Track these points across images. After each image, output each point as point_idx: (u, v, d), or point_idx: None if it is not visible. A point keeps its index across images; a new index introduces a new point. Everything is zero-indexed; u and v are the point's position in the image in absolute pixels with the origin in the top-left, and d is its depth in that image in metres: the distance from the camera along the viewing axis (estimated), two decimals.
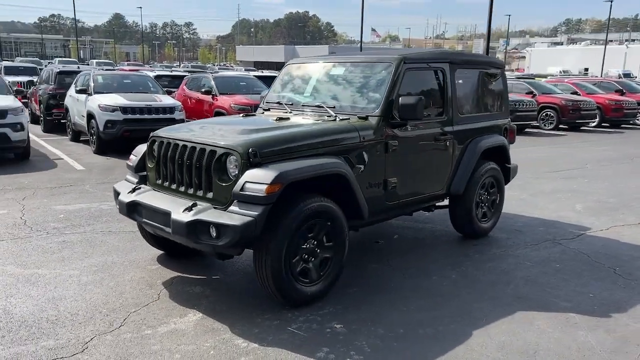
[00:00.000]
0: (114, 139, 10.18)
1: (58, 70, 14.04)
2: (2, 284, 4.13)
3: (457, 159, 5.13)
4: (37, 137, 12.50)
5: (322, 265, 3.92)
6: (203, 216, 3.54)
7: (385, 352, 3.26)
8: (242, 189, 3.51)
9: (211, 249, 3.70)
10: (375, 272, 4.57)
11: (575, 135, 16.07)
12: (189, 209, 3.65)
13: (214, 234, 3.49)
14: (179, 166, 3.96)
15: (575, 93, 18.64)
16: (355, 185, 4.03)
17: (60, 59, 42.75)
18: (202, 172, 3.79)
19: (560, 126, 17.08)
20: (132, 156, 4.57)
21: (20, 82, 17.57)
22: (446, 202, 5.42)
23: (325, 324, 3.60)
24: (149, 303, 3.87)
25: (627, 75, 46.29)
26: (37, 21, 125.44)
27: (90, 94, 10.84)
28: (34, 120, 14.83)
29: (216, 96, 12.19)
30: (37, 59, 42.34)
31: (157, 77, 16.57)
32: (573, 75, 48.54)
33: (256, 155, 3.60)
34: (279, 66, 46.62)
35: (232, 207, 3.55)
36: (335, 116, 4.41)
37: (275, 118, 4.47)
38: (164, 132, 4.25)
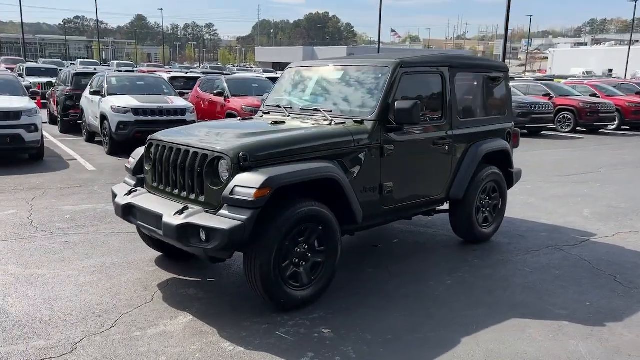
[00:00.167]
0: (126, 140, 10.30)
1: (75, 71, 14.28)
2: (1, 283, 4.22)
3: (457, 163, 5.09)
4: (54, 137, 12.73)
5: (313, 270, 3.92)
6: (193, 219, 3.57)
7: (370, 358, 3.25)
8: (231, 192, 3.54)
9: (202, 252, 3.72)
10: (371, 277, 4.55)
11: (593, 138, 15.81)
12: (180, 212, 3.68)
13: (203, 237, 3.53)
14: (174, 169, 4.01)
15: (594, 95, 18.33)
16: (349, 189, 4.02)
17: (81, 60, 43.43)
18: (194, 175, 3.82)
19: (578, 129, 16.81)
20: (130, 159, 4.63)
21: (40, 83, 17.89)
22: (446, 206, 5.37)
23: (313, 328, 3.60)
24: (141, 305, 3.91)
25: None
26: (62, 23, 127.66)
27: (103, 96, 11.01)
28: (53, 121, 15.12)
29: (228, 98, 12.27)
30: (60, 60, 43.05)
31: (173, 79, 16.77)
32: (597, 76, 47.79)
33: (247, 159, 3.62)
34: None
35: (222, 211, 3.58)
36: (331, 120, 4.42)
37: (270, 122, 4.49)
38: (161, 136, 4.30)
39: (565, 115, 16.80)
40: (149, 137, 4.41)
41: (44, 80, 18.47)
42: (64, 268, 4.57)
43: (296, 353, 3.28)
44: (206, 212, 3.66)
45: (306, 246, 3.84)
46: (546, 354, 3.33)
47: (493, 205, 5.53)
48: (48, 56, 76.21)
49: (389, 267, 4.77)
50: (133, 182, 4.47)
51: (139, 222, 4.06)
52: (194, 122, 10.37)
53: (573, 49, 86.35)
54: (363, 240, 5.50)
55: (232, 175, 3.62)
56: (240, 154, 3.62)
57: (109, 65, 39.33)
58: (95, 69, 15.49)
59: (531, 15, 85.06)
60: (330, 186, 3.96)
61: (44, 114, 15.68)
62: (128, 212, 4.14)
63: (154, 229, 3.84)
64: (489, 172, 5.33)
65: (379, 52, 37.46)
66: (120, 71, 20.19)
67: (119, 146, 10.47)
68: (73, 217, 6.12)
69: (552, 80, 22.89)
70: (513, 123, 5.85)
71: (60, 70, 19.07)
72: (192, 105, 11.43)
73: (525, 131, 15.82)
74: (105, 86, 11.25)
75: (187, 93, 14.48)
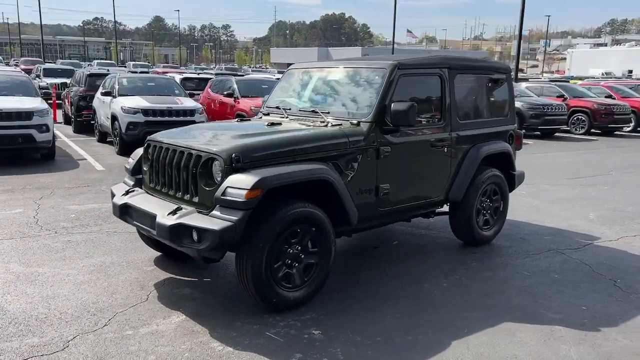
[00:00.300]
0: (135, 140, 10.39)
1: (88, 72, 14.47)
2: (2, 281, 4.30)
3: (457, 165, 5.06)
4: (67, 137, 12.92)
5: (306, 271, 3.93)
6: (185, 220, 3.61)
7: None
8: (223, 193, 3.56)
9: (195, 253, 3.76)
10: (367, 278, 4.55)
11: (607, 140, 15.60)
12: (174, 212, 3.72)
13: (195, 237, 3.56)
14: (169, 170, 4.05)
15: (609, 96, 18.09)
16: (342, 191, 4.03)
17: (98, 61, 43.97)
18: (189, 176, 3.86)
19: (593, 131, 16.61)
20: (129, 159, 4.70)
21: (55, 84, 18.16)
22: (447, 208, 5.35)
23: (304, 329, 3.61)
24: (136, 304, 3.96)
25: None
26: (81, 24, 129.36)
27: (114, 96, 11.14)
28: (67, 121, 15.34)
29: (238, 99, 12.33)
30: (78, 61, 43.64)
31: (185, 80, 16.91)
32: (616, 77, 47.01)
33: (239, 160, 3.64)
34: None
35: (214, 212, 3.61)
36: (328, 122, 4.43)
37: (267, 123, 4.51)
38: (159, 137, 4.35)
39: (580, 117, 16.61)
40: (147, 137, 4.46)
41: (59, 81, 18.71)
42: (64, 267, 4.65)
43: (284, 354, 3.30)
44: (199, 212, 3.70)
45: (299, 247, 3.86)
46: (536, 359, 3.30)
47: (494, 208, 5.49)
48: (67, 57, 77.23)
49: (387, 269, 4.76)
50: (132, 183, 4.53)
51: (135, 222, 4.11)
52: (203, 122, 10.45)
53: (592, 49, 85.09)
54: (362, 242, 5.50)
55: (225, 176, 3.64)
56: (233, 155, 3.65)
57: (125, 66, 39.78)
58: (108, 70, 15.67)
59: (549, 16, 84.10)
60: (324, 188, 3.97)
61: (59, 114, 16.07)
62: (124, 212, 4.19)
63: (149, 228, 3.88)
64: (490, 174, 5.30)
65: (392, 53, 37.36)
66: (135, 72, 20.42)
67: (129, 146, 10.55)
68: (78, 216, 6.21)
69: (568, 82, 22.64)
70: (516, 125, 5.80)
71: (76, 71, 19.35)
72: (201, 106, 11.52)
73: (538, 133, 15.71)
74: (116, 87, 11.39)
75: (199, 94, 14.60)
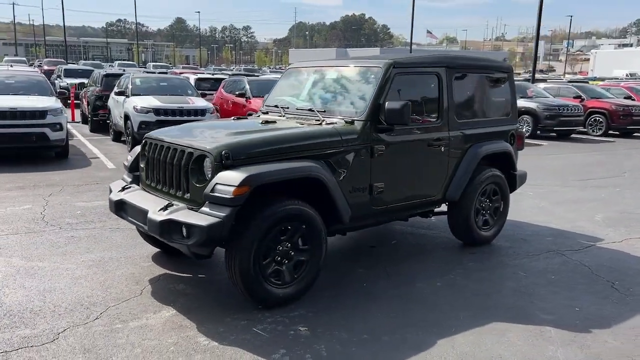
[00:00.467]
0: None
1: (104, 73, 14.70)
2: (2, 274, 4.41)
3: (455, 164, 5.03)
4: (83, 136, 13.14)
5: (297, 268, 3.95)
6: (174, 216, 3.66)
7: (341, 357, 3.26)
8: (212, 190, 3.61)
9: (185, 248, 3.80)
10: (361, 277, 4.55)
11: (625, 141, 15.32)
12: (164, 208, 3.78)
13: (184, 233, 3.61)
14: (163, 167, 4.11)
15: (628, 97, 17.77)
16: (334, 189, 4.04)
17: (119, 61, 44.63)
18: (181, 173, 3.91)
19: (610, 132, 16.33)
20: (128, 156, 4.78)
21: (74, 84, 18.48)
22: (445, 208, 5.32)
23: (291, 326, 3.63)
24: (129, 298, 4.02)
25: None
26: (105, 26, 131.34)
27: (127, 96, 11.31)
28: (85, 120, 15.60)
29: (250, 99, 12.43)
30: (100, 62, 44.35)
31: (200, 80, 17.09)
32: None
33: (229, 157, 3.68)
34: None
35: (203, 208, 3.65)
36: (322, 120, 4.44)
37: (261, 121, 4.55)
38: (156, 134, 4.41)
39: (597, 118, 16.33)
40: (145, 135, 4.53)
41: (78, 81, 19.04)
42: (64, 261, 4.74)
43: (269, 350, 3.32)
44: (190, 209, 3.75)
45: (289, 244, 3.88)
46: (521, 359, 3.27)
47: (494, 208, 5.45)
48: (91, 58, 78.49)
49: (382, 268, 4.75)
50: (129, 180, 4.60)
51: (129, 218, 4.17)
52: None
53: (616, 50, 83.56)
54: (360, 241, 5.50)
55: (214, 173, 3.69)
56: (223, 152, 3.69)
57: (145, 67, 40.31)
58: (124, 70, 15.90)
59: (571, 16, 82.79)
60: (315, 185, 3.99)
61: (77, 114, 16.37)
62: (120, 208, 4.26)
63: (141, 224, 3.94)
64: (489, 174, 5.25)
65: (410, 52, 37.15)
66: (153, 72, 20.66)
67: None
68: (83, 213, 6.32)
69: (587, 82, 22.30)
70: (517, 125, 5.75)
71: (94, 71, 19.63)
72: (212, 105, 11.63)
73: (554, 134, 15.50)
74: (130, 87, 11.55)
75: (214, 94, 14.74)
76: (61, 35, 47.57)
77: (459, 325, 3.70)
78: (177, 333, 3.50)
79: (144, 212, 3.86)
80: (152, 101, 10.80)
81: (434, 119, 4.86)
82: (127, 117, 10.94)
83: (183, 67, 39.90)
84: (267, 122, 4.51)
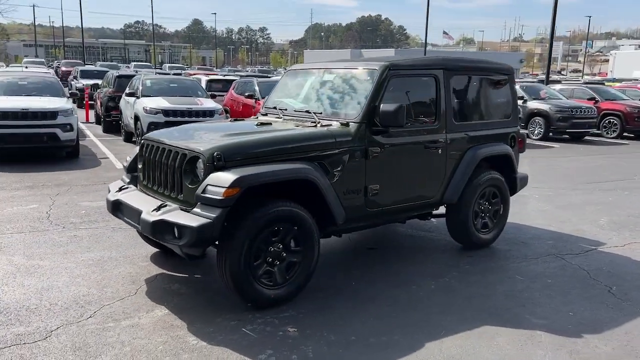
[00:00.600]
0: None
1: (117, 74, 14.89)
2: (3, 273, 4.49)
3: (453, 167, 5.01)
4: (95, 136, 13.32)
5: (289, 270, 3.98)
6: (166, 216, 3.71)
7: (328, 358, 3.27)
8: (203, 191, 3.65)
9: (178, 249, 3.85)
10: (356, 279, 4.56)
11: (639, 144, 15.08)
12: (157, 209, 3.83)
13: (176, 234, 3.65)
14: (158, 168, 4.16)
15: None
16: (326, 190, 4.05)
17: (136, 63, 45.11)
18: (175, 174, 3.96)
19: (625, 134, 16.10)
20: (127, 157, 4.84)
21: (89, 85, 18.73)
22: (444, 210, 5.30)
23: (280, 327, 3.65)
24: (124, 297, 4.08)
25: None
26: (123, 27, 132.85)
27: (138, 97, 11.45)
28: (98, 121, 15.81)
29: (259, 100, 12.48)
30: (117, 63, 44.88)
31: (211, 81, 17.19)
32: None
33: (220, 159, 3.72)
34: None
35: (194, 209, 3.70)
36: (318, 122, 4.46)
37: (257, 123, 4.58)
38: (153, 135, 4.47)
39: (611, 120, 16.11)
40: (143, 136, 4.59)
41: (91, 82, 19.30)
42: (64, 260, 4.82)
43: (256, 350, 3.35)
44: (183, 210, 3.79)
45: (281, 246, 3.90)
46: None
47: (493, 211, 5.41)
48: (109, 59, 79.40)
49: (378, 271, 4.75)
50: (127, 180, 4.67)
51: (124, 218, 4.23)
52: None
53: (637, 50, 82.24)
54: (358, 243, 5.51)
55: (206, 175, 3.73)
56: (215, 153, 3.73)
57: (161, 68, 40.71)
58: (136, 72, 16.07)
59: (590, 16, 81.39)
60: (308, 187, 4.01)
61: (91, 115, 16.60)
62: (116, 208, 4.32)
63: (135, 224, 4.00)
64: (488, 176, 5.22)
65: (425, 55, 37.00)
66: (168, 73, 20.86)
67: None
68: (88, 212, 6.42)
69: (603, 84, 22.01)
70: (518, 127, 5.70)
71: (107, 72, 19.87)
72: (221, 107, 11.72)
73: (567, 136, 15.33)
74: (140, 88, 11.70)
75: (219, 95, 14.83)
76: (80, 36, 48.27)
77: (449, 328, 3.69)
78: (167, 332, 3.55)
79: (138, 212, 3.91)
80: (161, 102, 10.93)
81: (431, 121, 4.85)
82: (137, 118, 11.08)
83: (198, 68, 40.21)
84: (262, 123, 4.54)
